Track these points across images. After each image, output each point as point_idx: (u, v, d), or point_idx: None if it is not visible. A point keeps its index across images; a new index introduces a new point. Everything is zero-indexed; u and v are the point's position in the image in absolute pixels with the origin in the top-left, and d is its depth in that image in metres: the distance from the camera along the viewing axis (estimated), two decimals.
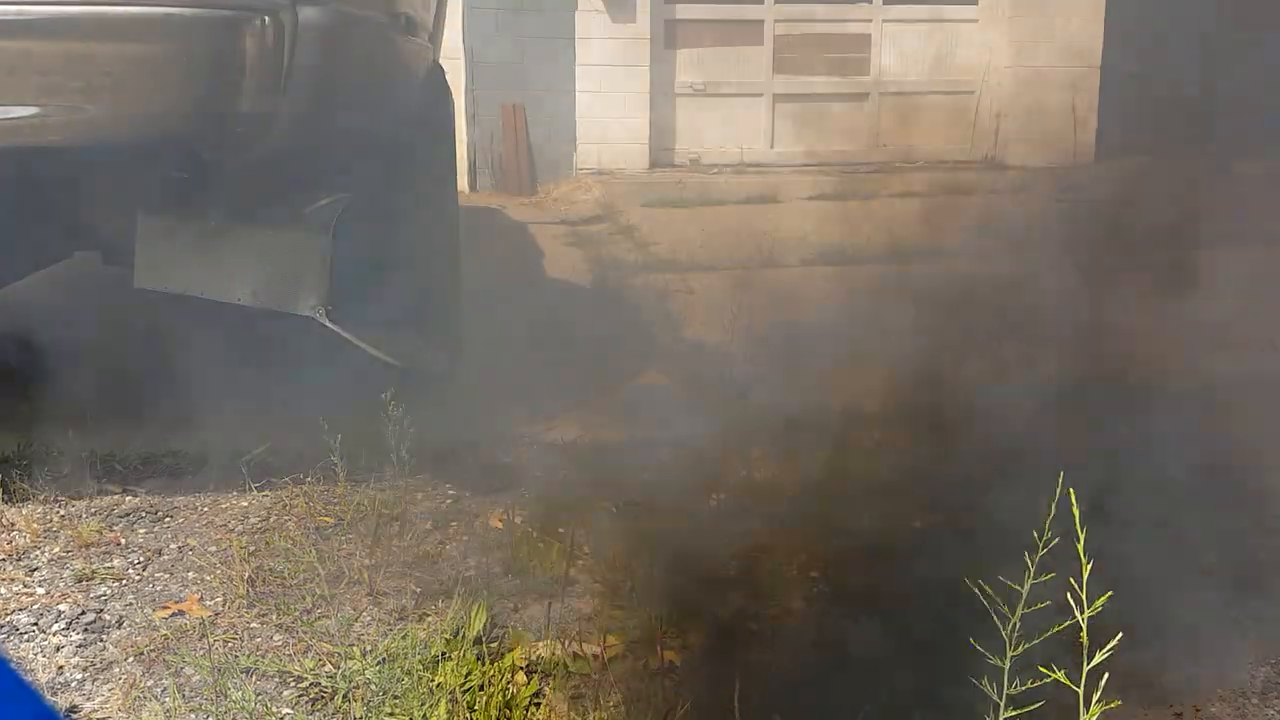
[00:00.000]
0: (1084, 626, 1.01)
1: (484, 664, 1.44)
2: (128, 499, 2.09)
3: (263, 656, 1.53)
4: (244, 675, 1.48)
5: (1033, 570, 1.07)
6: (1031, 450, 1.83)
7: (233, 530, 1.96)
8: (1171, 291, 2.86)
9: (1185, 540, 1.79)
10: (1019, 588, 1.08)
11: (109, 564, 1.83)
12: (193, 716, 1.39)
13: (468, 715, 1.33)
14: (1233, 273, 3.16)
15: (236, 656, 1.52)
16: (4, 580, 1.76)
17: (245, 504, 2.07)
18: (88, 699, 1.44)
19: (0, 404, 2.68)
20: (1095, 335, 2.75)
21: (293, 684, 1.46)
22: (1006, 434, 2.01)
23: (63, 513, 2.02)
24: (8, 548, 1.87)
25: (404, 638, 1.54)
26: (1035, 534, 1.07)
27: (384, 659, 1.48)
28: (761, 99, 9.05)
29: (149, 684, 1.47)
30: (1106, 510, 1.68)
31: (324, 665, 1.49)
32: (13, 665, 0.56)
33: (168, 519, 2.01)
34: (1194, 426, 2.15)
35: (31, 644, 1.58)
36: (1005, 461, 1.84)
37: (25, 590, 1.74)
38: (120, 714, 1.40)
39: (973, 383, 2.34)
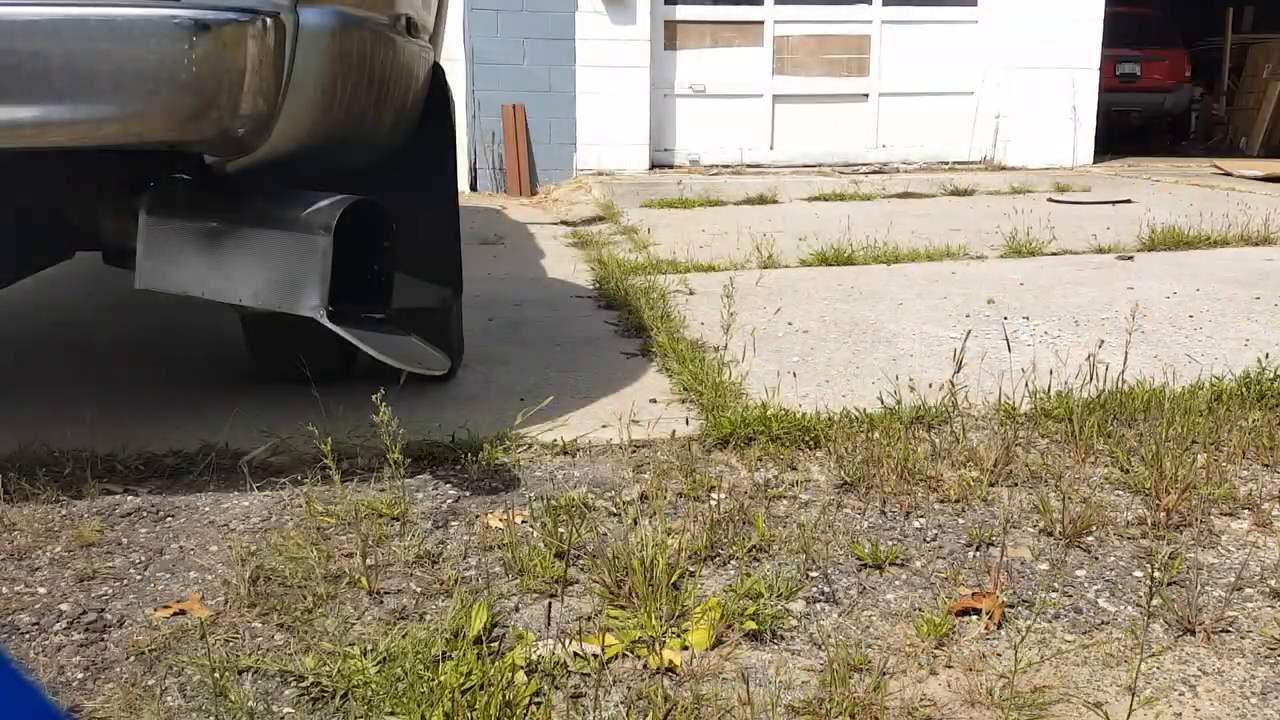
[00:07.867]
0: None
1: (484, 664, 1.45)
2: (129, 499, 2.09)
3: (264, 656, 1.53)
4: (245, 675, 1.48)
5: None
6: None
7: (234, 530, 1.97)
8: None
9: None
10: None
11: (110, 564, 1.84)
12: (194, 716, 1.40)
13: (468, 715, 1.33)
14: None
15: (237, 656, 1.52)
16: (5, 580, 1.77)
17: (246, 504, 2.08)
18: (89, 698, 1.44)
19: (1, 404, 2.68)
20: None
21: (294, 683, 1.47)
22: None
23: (64, 512, 2.03)
24: (9, 547, 1.88)
25: (404, 637, 1.54)
26: None
27: (384, 658, 1.48)
28: (761, 99, 9.06)
29: (150, 683, 1.47)
30: None
31: (325, 665, 1.49)
32: (14, 664, 0.56)
33: (169, 519, 2.02)
34: None
35: (33, 643, 1.58)
36: None
37: (27, 589, 1.74)
38: (121, 713, 1.41)
39: None
